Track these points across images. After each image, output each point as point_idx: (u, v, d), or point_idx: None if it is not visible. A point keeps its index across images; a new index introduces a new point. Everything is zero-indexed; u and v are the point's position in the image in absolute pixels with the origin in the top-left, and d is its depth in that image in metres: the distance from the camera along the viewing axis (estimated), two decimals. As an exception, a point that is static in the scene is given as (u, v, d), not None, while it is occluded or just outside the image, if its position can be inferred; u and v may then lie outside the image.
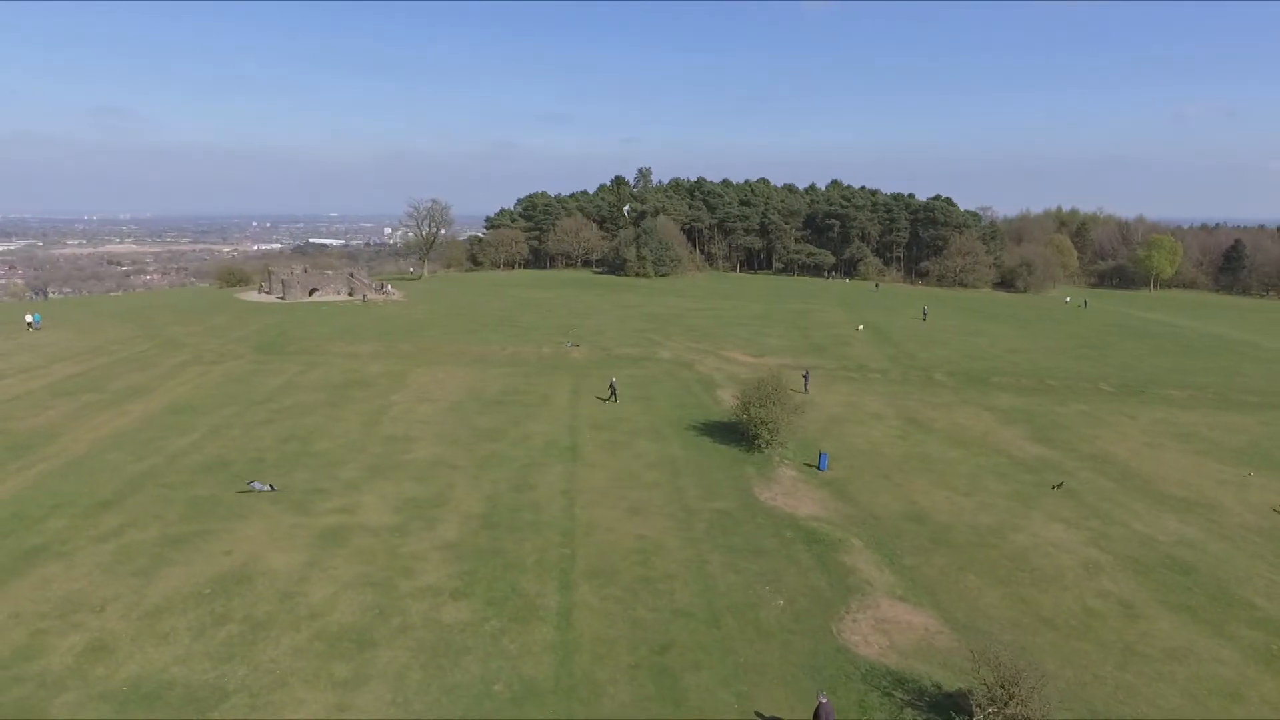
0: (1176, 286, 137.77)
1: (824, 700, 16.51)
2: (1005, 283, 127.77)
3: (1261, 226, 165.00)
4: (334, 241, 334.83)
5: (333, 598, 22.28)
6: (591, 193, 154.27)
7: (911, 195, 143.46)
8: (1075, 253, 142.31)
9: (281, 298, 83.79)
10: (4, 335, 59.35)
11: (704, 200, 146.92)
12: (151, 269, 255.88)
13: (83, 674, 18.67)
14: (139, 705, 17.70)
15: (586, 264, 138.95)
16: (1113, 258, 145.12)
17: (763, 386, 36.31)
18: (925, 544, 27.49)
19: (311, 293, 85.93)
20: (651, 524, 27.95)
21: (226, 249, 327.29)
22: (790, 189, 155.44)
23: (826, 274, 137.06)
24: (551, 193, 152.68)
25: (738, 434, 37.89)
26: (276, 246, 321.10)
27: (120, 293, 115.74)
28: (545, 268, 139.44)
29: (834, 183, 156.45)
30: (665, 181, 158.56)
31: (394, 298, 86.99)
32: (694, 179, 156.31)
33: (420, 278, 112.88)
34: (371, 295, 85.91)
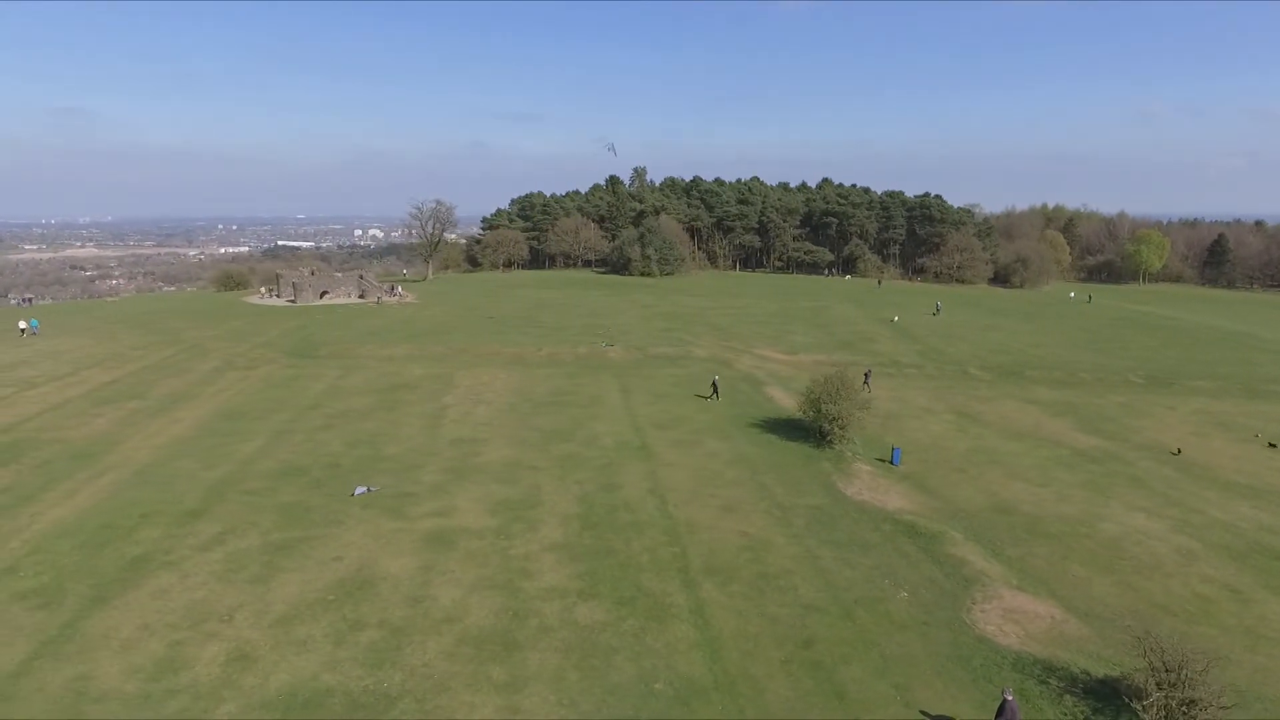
0: (1164, 280, 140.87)
1: (1010, 698, 16.54)
2: (1000, 278, 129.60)
3: (1239, 220, 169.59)
4: (304, 244, 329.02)
5: (462, 601, 22.11)
6: (584, 192, 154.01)
7: (902, 193, 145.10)
8: (1068, 248, 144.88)
9: (292, 301, 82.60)
10: (8, 343, 58.01)
11: (701, 199, 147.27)
12: (117, 274, 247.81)
13: (235, 684, 18.35)
14: (301, 713, 17.46)
15: (587, 264, 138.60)
16: (1100, 253, 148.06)
17: (831, 383, 36.58)
18: (1021, 535, 27.91)
19: (322, 295, 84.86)
20: (750, 521, 28.07)
21: (193, 252, 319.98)
22: (785, 187, 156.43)
23: (826, 271, 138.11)
24: (547, 193, 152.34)
25: (802, 430, 38.16)
26: (244, 249, 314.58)
27: (114, 298, 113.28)
28: (544, 268, 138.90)
29: (826, 181, 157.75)
30: (657, 182, 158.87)
31: (406, 300, 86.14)
32: (689, 178, 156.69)
33: (424, 279, 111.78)
34: (385, 298, 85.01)
